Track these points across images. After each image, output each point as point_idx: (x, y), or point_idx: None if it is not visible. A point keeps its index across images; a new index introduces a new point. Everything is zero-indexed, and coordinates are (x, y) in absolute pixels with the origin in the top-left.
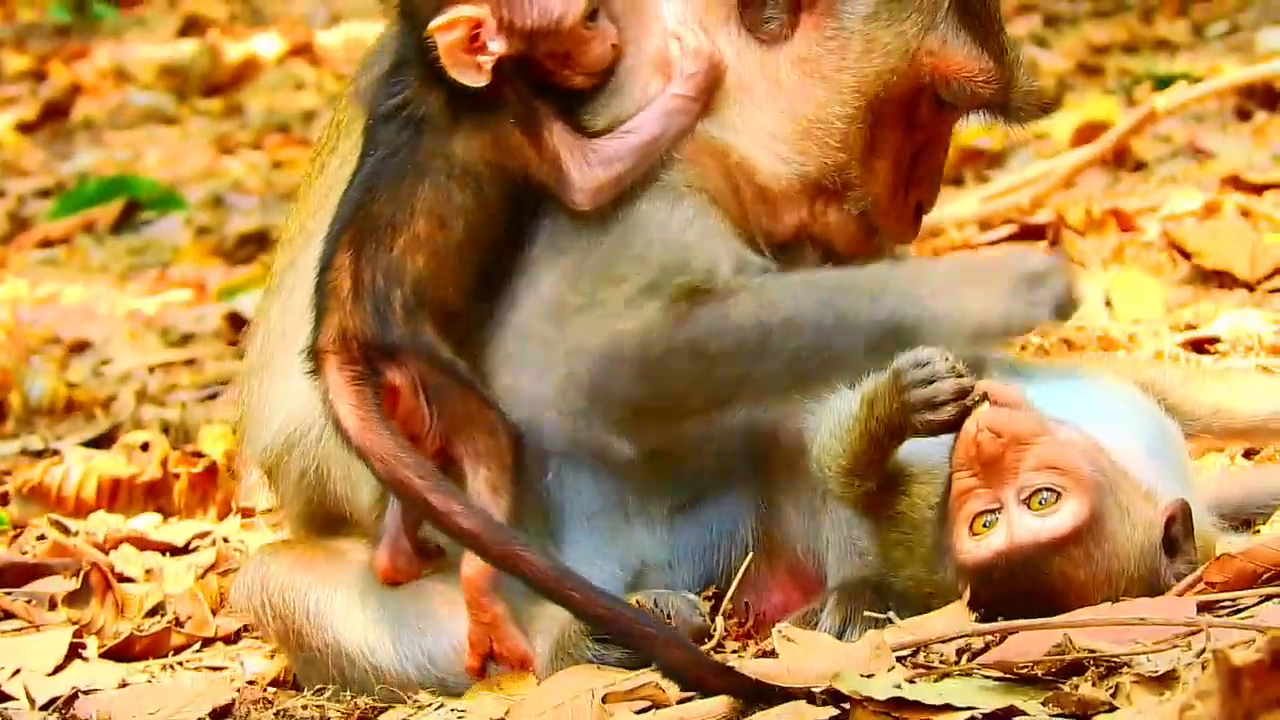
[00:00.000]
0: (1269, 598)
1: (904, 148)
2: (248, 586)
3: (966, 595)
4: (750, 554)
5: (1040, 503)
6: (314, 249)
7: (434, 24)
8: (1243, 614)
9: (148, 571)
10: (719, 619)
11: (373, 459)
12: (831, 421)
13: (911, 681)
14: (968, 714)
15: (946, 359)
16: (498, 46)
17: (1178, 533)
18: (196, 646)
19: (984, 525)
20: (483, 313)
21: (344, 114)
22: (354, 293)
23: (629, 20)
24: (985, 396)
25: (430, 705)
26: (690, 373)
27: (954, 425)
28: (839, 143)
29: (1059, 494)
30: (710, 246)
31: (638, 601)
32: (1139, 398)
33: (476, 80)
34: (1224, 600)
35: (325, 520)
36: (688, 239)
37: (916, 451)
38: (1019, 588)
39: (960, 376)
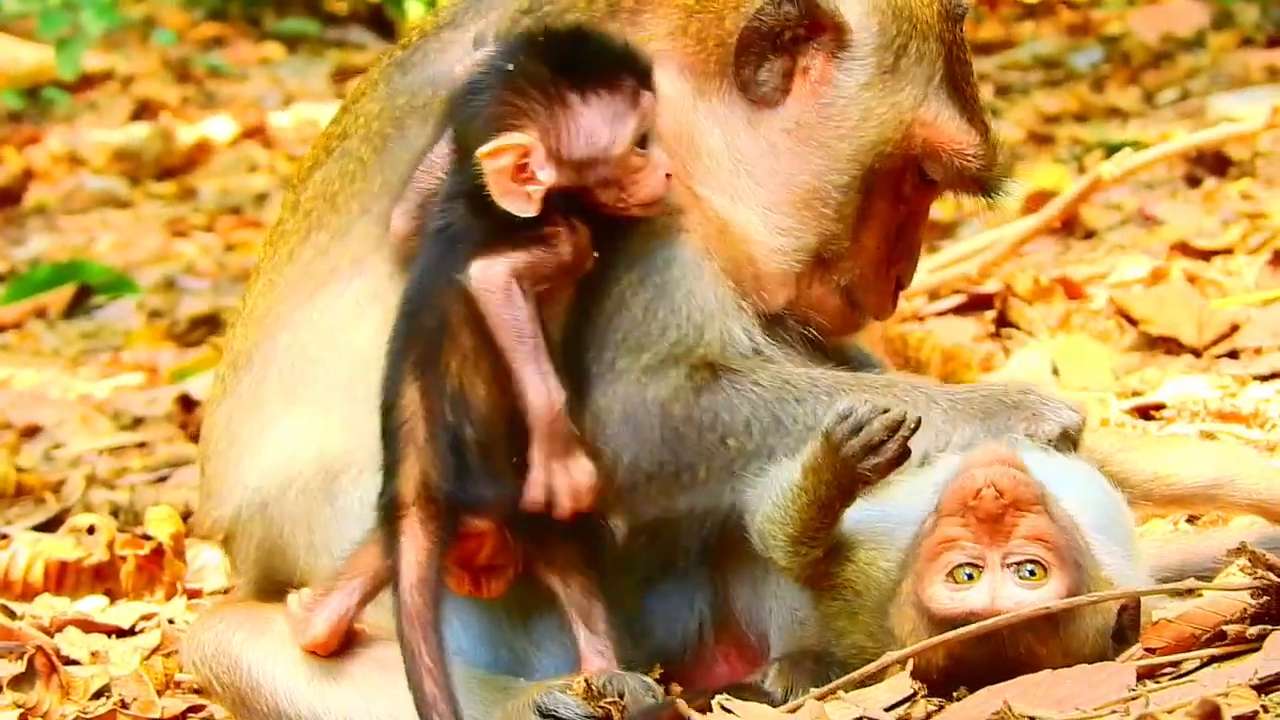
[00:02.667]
0: (1211, 660)
1: (890, 222)
2: (196, 650)
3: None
4: (703, 628)
5: (1028, 574)
6: (293, 332)
7: (482, 150)
8: (1184, 678)
9: (93, 654)
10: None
11: (405, 614)
12: (775, 492)
13: None
14: None
15: (867, 403)
16: (547, 176)
17: (1127, 622)
18: None
19: (965, 577)
20: None
21: (300, 194)
22: (430, 435)
23: None
24: (919, 422)
25: None
26: (704, 443)
27: (901, 460)
28: (835, 213)
29: (1045, 570)
30: (726, 320)
31: (587, 680)
32: (1087, 468)
33: (525, 210)
34: (1164, 665)
35: (278, 589)
36: (708, 310)
37: (862, 519)
38: (979, 652)
39: (885, 412)
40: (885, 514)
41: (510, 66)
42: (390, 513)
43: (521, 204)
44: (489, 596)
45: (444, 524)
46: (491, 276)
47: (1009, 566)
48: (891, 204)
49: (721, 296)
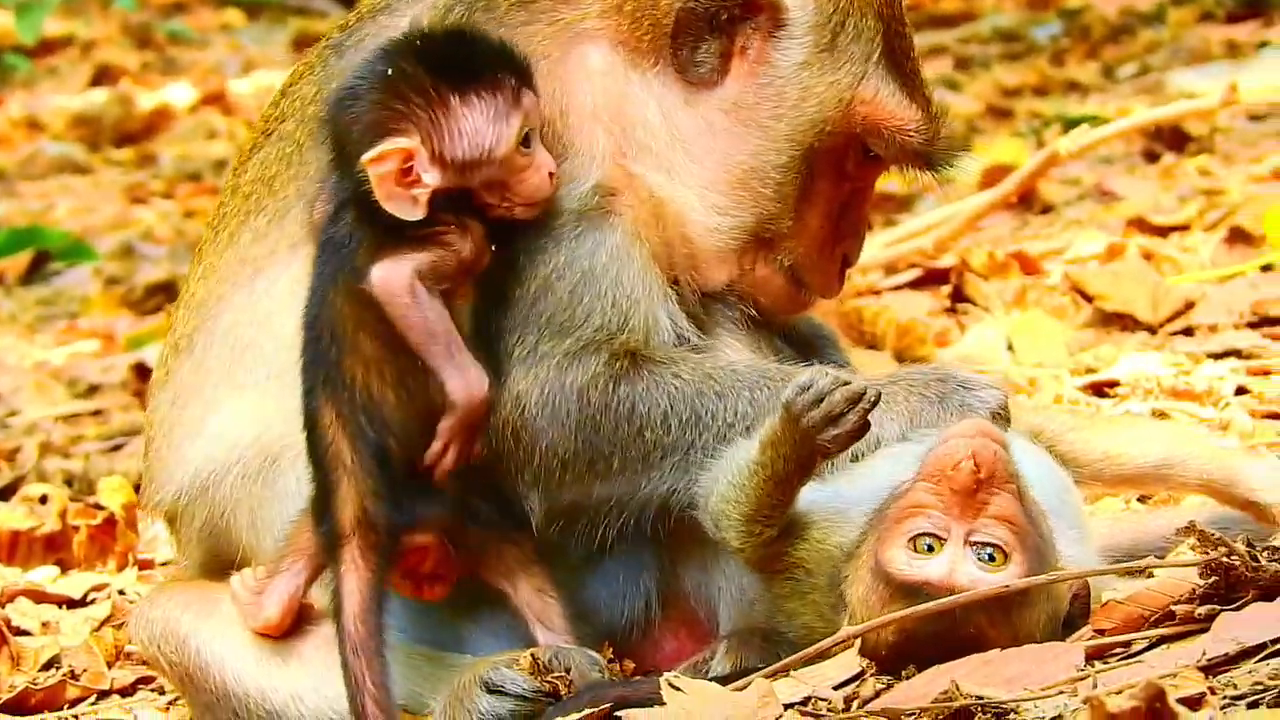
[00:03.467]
0: (1160, 641)
1: (833, 200)
2: (144, 627)
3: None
4: (651, 605)
5: (988, 557)
6: (233, 316)
7: (365, 157)
8: (1132, 659)
9: (44, 624)
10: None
11: (348, 642)
12: (730, 472)
13: None
14: None
15: (827, 374)
16: (432, 179)
17: (1078, 610)
18: (92, 699)
19: (925, 548)
20: None
21: (240, 177)
22: (355, 455)
23: (557, 89)
24: (879, 396)
25: None
26: (620, 433)
27: (861, 432)
28: (774, 193)
29: (1006, 555)
30: (653, 307)
31: (533, 654)
32: (1038, 450)
33: (412, 213)
34: (1113, 646)
35: (223, 568)
36: (634, 297)
37: (814, 500)
38: (929, 630)
39: (846, 384)
40: (838, 493)
41: (389, 70)
42: (330, 542)
43: (408, 208)
44: (432, 599)
45: (384, 550)
46: (394, 279)
47: (971, 545)
48: (834, 182)
49: (649, 283)
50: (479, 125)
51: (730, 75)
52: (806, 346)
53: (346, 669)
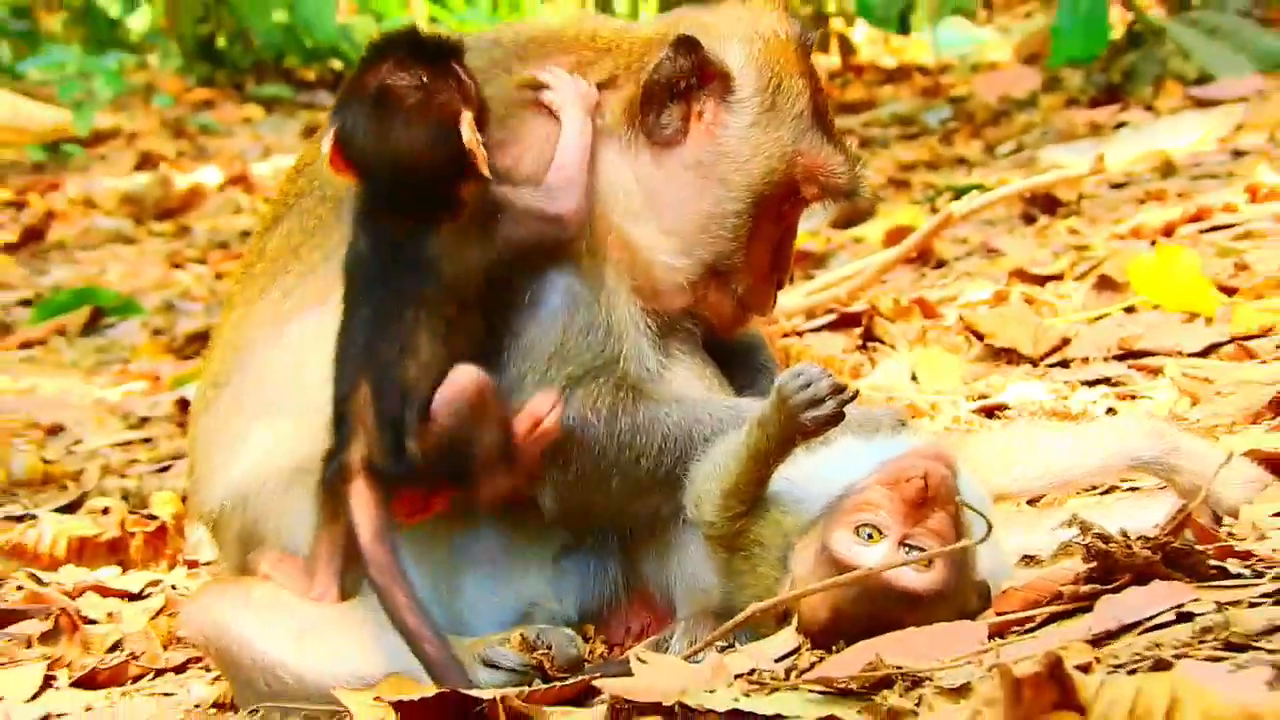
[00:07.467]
0: (1051, 619)
1: (772, 237)
2: (191, 620)
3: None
4: (619, 590)
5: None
6: (263, 357)
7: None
8: (1028, 634)
9: (109, 614)
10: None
11: (372, 566)
12: (716, 455)
13: (747, 695)
14: None
15: (816, 367)
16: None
17: (980, 606)
18: (150, 676)
19: (866, 536)
20: None
21: (266, 243)
22: (377, 420)
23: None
24: (857, 393)
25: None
26: (622, 458)
27: (837, 420)
28: (731, 234)
29: (929, 562)
30: (637, 339)
31: (521, 634)
32: (970, 475)
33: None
34: (1012, 624)
35: (255, 567)
36: (624, 328)
37: (777, 488)
38: (860, 605)
39: (831, 377)
40: (800, 483)
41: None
42: (340, 478)
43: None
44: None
45: (386, 488)
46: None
47: (904, 545)
48: (774, 221)
49: (634, 316)
50: None
51: (690, 135)
52: (745, 351)
53: (376, 588)
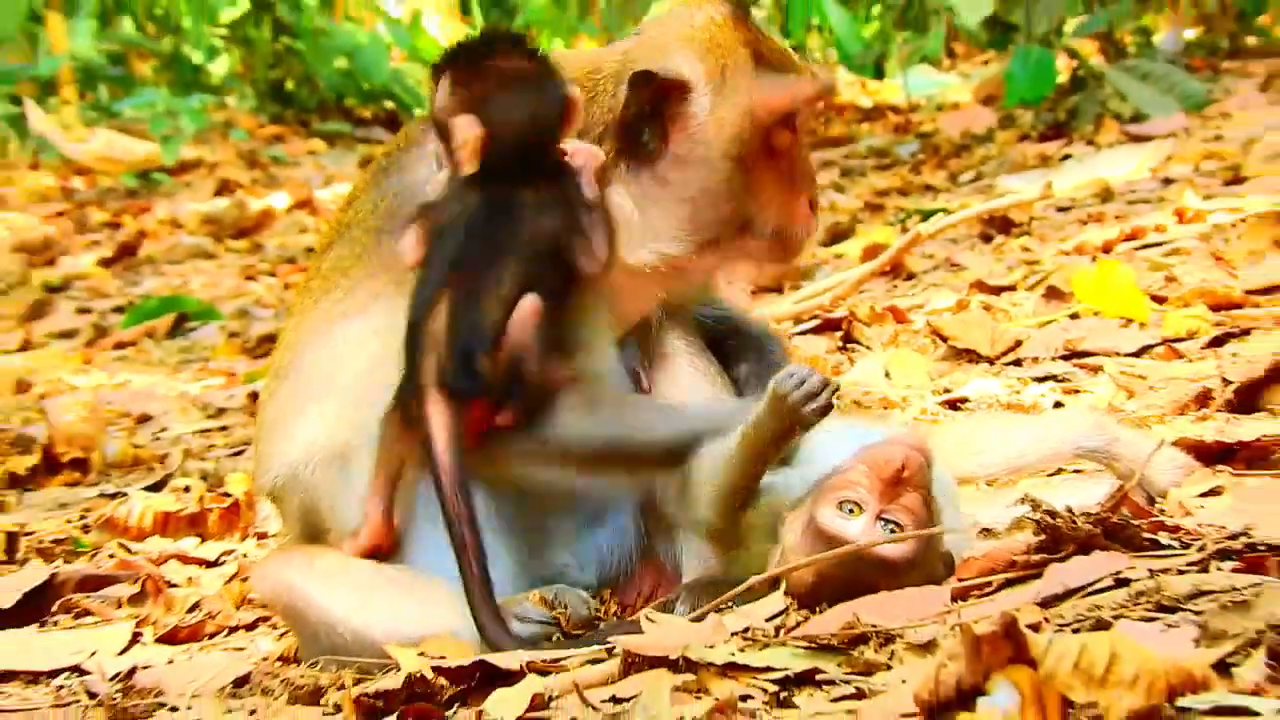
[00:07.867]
0: (1006, 584)
1: (779, 169)
2: (261, 582)
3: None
4: (632, 560)
5: (890, 532)
6: (316, 354)
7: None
8: (985, 598)
9: (189, 579)
10: (609, 606)
11: (444, 472)
12: (713, 453)
13: (742, 650)
14: (783, 673)
15: (806, 367)
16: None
17: (943, 575)
18: (224, 633)
19: (847, 511)
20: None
21: (321, 264)
22: (449, 343)
23: None
24: (840, 388)
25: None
26: (623, 450)
27: (825, 413)
28: (728, 197)
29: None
30: (607, 347)
31: (540, 595)
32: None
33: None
34: (971, 589)
35: (315, 536)
36: (598, 329)
37: (769, 482)
38: (841, 572)
39: (820, 374)
40: (787, 478)
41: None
42: (415, 394)
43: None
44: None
45: (458, 405)
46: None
47: (880, 519)
48: (772, 158)
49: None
50: None
51: (670, 142)
52: (759, 346)
53: (441, 495)
